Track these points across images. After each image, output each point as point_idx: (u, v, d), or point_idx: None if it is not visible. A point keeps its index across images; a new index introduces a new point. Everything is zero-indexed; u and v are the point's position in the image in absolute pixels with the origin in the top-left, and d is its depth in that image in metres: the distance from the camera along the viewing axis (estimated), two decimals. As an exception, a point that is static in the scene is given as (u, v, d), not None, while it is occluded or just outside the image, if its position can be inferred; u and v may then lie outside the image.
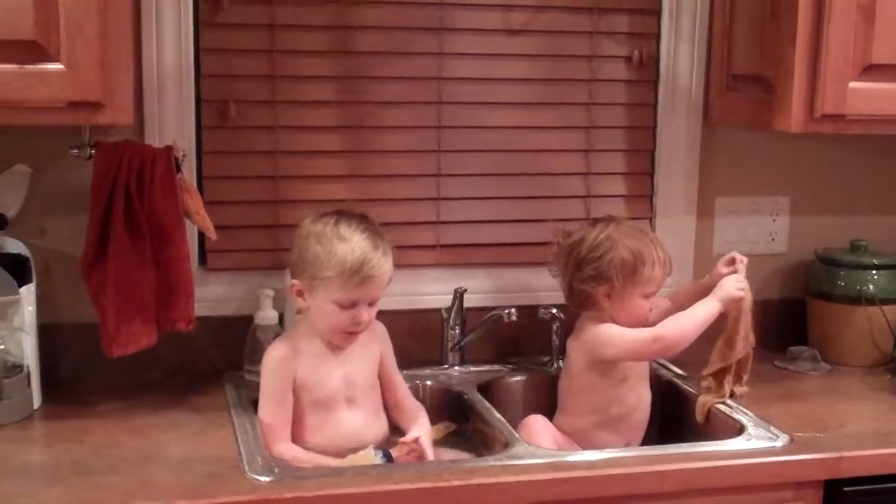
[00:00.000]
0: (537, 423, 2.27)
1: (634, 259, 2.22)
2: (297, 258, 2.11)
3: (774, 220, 2.77)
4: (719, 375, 2.28)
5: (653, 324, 2.25)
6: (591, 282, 2.25)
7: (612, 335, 2.24)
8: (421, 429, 2.12)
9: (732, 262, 2.32)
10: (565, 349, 2.36)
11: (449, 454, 2.17)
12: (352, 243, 2.05)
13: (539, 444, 2.13)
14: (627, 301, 2.24)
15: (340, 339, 2.12)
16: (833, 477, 2.04)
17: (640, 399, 2.31)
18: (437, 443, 2.21)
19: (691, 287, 2.43)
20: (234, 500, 1.77)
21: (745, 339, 2.25)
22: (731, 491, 2.00)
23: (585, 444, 2.25)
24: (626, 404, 2.28)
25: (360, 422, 2.13)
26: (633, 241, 2.24)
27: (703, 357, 2.29)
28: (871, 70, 2.26)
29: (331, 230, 2.07)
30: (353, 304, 2.07)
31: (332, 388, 2.12)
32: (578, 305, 2.32)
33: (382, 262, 2.06)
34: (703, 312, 2.23)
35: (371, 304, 2.09)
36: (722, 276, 2.30)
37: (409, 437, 2.07)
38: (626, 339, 2.23)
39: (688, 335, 2.22)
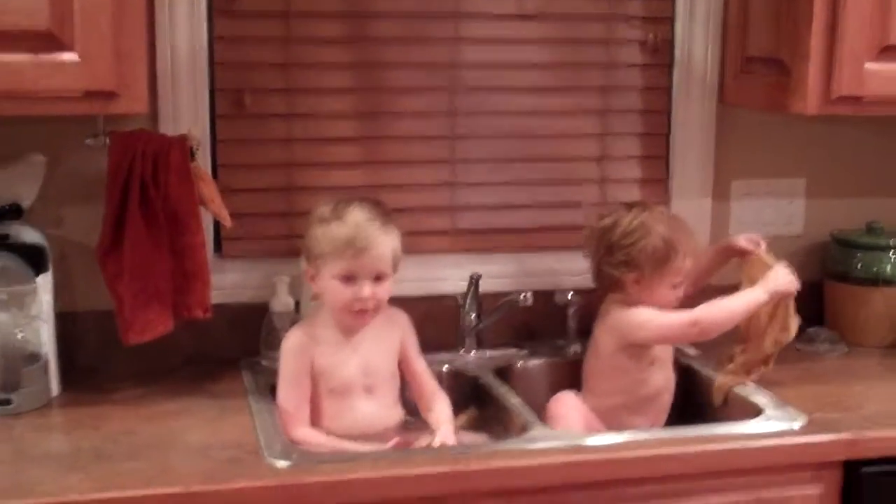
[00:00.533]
0: (569, 401, 2.27)
1: (667, 249, 2.21)
2: (306, 243, 2.13)
3: (790, 203, 2.75)
4: (749, 364, 2.28)
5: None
6: (620, 267, 2.25)
7: (647, 319, 2.23)
8: (443, 432, 2.09)
9: (757, 244, 2.32)
10: (584, 332, 2.36)
11: (467, 438, 2.16)
12: (346, 219, 2.06)
13: (568, 421, 2.16)
14: (656, 290, 2.24)
15: (350, 319, 2.11)
16: (852, 458, 2.03)
17: (667, 381, 2.32)
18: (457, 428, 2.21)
19: (705, 255, 2.41)
20: (252, 486, 1.78)
21: (781, 329, 2.25)
22: (749, 472, 1.99)
23: (611, 425, 2.24)
24: (653, 386, 2.28)
25: (376, 411, 2.14)
26: (666, 230, 2.23)
27: (720, 339, 2.28)
28: (888, 51, 2.24)
29: (331, 212, 2.09)
30: (353, 278, 2.07)
31: (349, 375, 2.12)
32: (605, 288, 2.32)
33: (378, 234, 2.06)
34: (746, 301, 2.22)
35: (377, 280, 2.08)
36: (739, 246, 2.33)
37: (434, 444, 2.04)
38: (662, 323, 2.23)
39: (727, 322, 2.22)
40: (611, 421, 2.26)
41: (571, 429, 2.18)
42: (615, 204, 2.38)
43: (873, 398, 2.25)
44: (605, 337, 2.30)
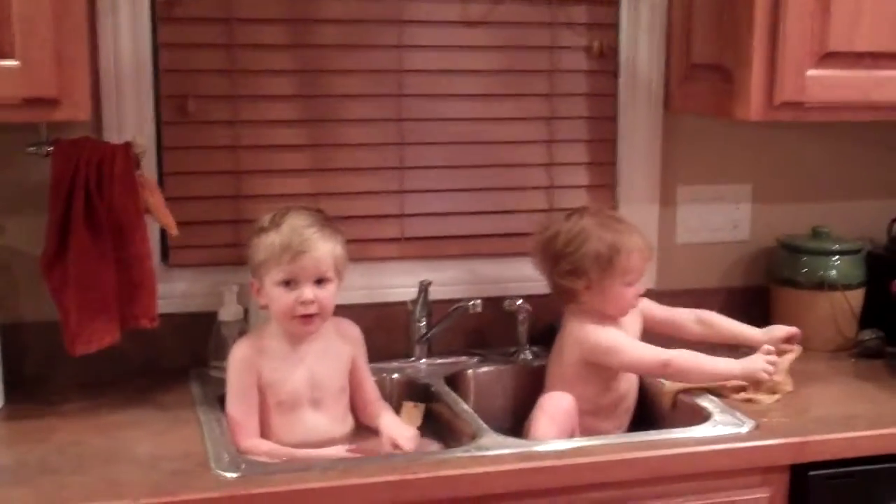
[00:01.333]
0: (565, 403, 2.23)
1: (609, 250, 2.21)
2: (249, 255, 2.12)
3: (737, 208, 2.78)
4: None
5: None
6: (569, 277, 2.25)
7: (619, 346, 2.24)
8: (388, 423, 2.13)
9: (791, 339, 2.35)
10: (534, 339, 2.40)
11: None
12: (282, 227, 2.07)
13: (555, 419, 2.17)
14: (608, 291, 2.24)
15: (296, 326, 2.10)
16: (799, 461, 2.05)
17: (630, 385, 2.33)
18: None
19: (726, 326, 2.42)
20: (200, 497, 1.76)
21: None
22: (699, 477, 2.00)
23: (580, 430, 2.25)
24: (617, 392, 2.30)
25: (325, 423, 2.13)
26: (607, 232, 2.23)
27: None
28: (829, 58, 2.27)
29: (269, 222, 2.10)
30: (294, 283, 2.06)
31: (296, 387, 2.11)
32: (562, 299, 2.32)
33: (315, 238, 2.06)
34: (721, 369, 2.24)
35: (319, 284, 2.08)
36: (775, 339, 2.34)
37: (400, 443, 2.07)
38: (633, 356, 2.24)
39: (696, 377, 2.24)
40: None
41: (552, 427, 2.18)
42: (555, 214, 2.38)
43: (820, 402, 2.27)
44: (570, 348, 2.29)
